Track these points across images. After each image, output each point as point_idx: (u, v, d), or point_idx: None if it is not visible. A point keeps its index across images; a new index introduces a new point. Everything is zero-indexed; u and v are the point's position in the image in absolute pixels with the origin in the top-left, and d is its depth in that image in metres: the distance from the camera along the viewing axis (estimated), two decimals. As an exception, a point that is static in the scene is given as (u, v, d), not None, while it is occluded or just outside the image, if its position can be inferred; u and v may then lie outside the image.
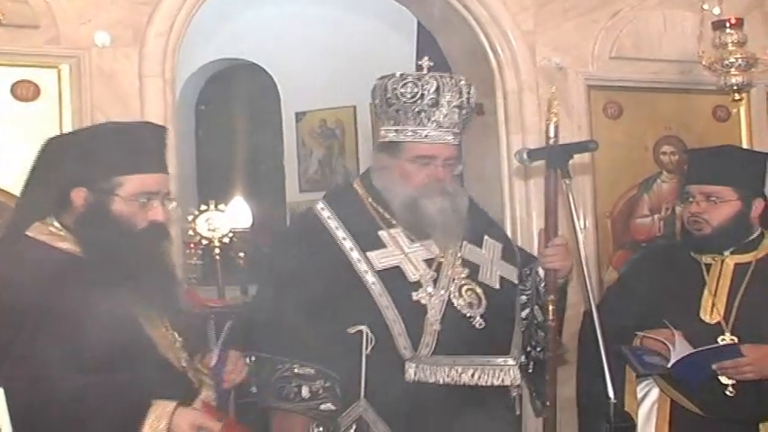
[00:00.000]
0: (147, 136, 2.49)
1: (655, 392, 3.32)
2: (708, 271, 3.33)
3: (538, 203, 4.36)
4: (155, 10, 3.82)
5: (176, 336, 2.48)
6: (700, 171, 3.37)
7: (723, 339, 3.19)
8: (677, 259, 3.41)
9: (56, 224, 2.41)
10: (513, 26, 4.41)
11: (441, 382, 2.87)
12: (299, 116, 8.40)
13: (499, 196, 4.38)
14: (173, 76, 3.88)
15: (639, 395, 3.31)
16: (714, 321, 3.24)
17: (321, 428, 2.84)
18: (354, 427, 2.88)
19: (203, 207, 7.30)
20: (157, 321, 2.45)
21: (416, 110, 2.93)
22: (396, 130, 2.98)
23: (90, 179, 2.38)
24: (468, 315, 2.92)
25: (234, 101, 8.60)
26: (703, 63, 4.53)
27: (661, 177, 4.74)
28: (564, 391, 3.22)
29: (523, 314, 3.10)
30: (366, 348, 2.86)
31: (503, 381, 2.92)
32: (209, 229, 7.09)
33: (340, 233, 2.96)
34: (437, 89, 2.93)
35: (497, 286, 3.02)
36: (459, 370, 2.88)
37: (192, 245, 7.13)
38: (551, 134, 2.89)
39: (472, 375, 2.89)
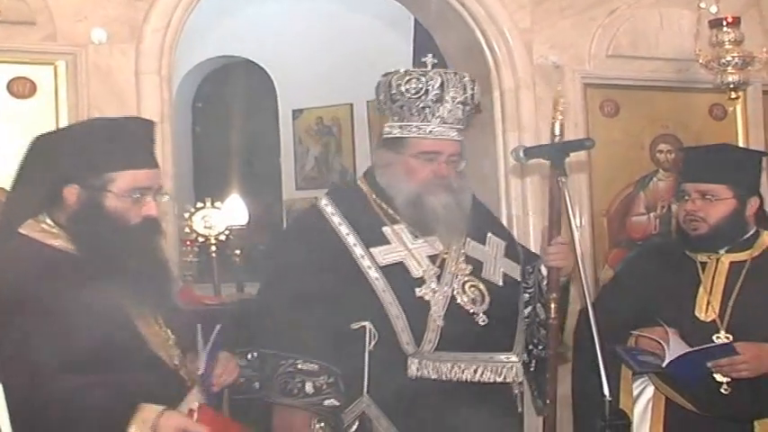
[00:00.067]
0: (136, 131, 2.48)
1: (650, 390, 3.32)
2: (703, 269, 3.34)
3: (534, 201, 4.38)
4: (151, 7, 3.82)
5: (169, 333, 2.48)
6: (695, 169, 3.37)
7: (718, 337, 3.20)
8: (673, 257, 3.41)
9: (48, 221, 2.41)
10: (511, 24, 4.42)
11: (443, 378, 2.87)
12: (296, 114, 8.40)
13: (496, 194, 4.39)
14: (169, 73, 3.88)
15: (635, 393, 3.32)
16: (709, 319, 3.25)
17: (322, 424, 2.83)
18: (357, 423, 2.88)
19: (199, 204, 7.29)
20: (150, 319, 2.45)
21: (421, 106, 2.94)
22: (400, 126, 2.99)
23: (82, 176, 2.37)
24: (472, 311, 2.92)
25: (231, 98, 8.59)
26: (700, 61, 4.54)
27: (657, 175, 4.75)
28: (563, 389, 3.23)
29: (525, 312, 3.10)
30: (369, 344, 2.85)
31: (505, 377, 2.92)
32: (205, 227, 7.09)
33: (343, 229, 2.96)
34: (441, 85, 2.93)
35: (501, 283, 3.02)
36: (462, 366, 2.88)
37: (188, 242, 7.13)
38: (556, 132, 2.88)
39: (475, 372, 2.89)
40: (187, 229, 7.04)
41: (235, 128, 8.50)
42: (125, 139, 2.42)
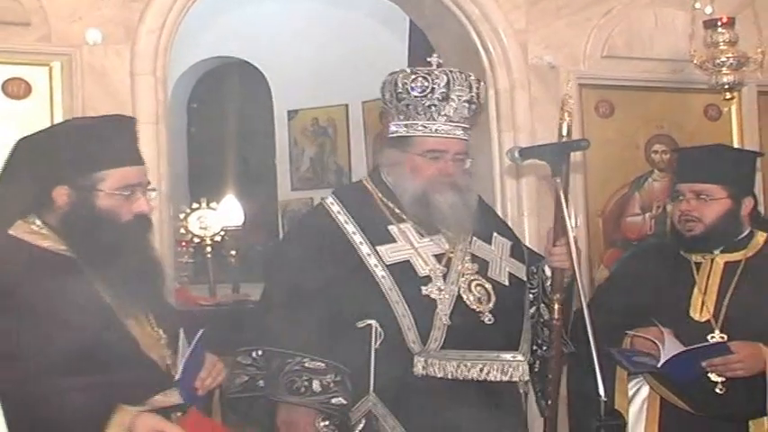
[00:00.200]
0: (120, 129, 2.48)
1: (645, 390, 3.33)
2: (698, 269, 3.34)
3: (529, 202, 4.38)
4: (146, 7, 3.81)
5: (161, 333, 2.47)
6: (690, 169, 3.38)
7: (713, 337, 3.20)
8: (668, 258, 3.42)
9: (38, 222, 2.40)
10: (505, 24, 4.42)
11: (449, 376, 2.86)
12: (291, 114, 8.41)
13: (491, 194, 4.38)
14: (164, 73, 3.88)
15: (630, 393, 3.32)
16: (704, 319, 3.25)
17: (327, 422, 2.83)
18: (364, 421, 2.88)
19: (195, 205, 7.31)
20: (143, 319, 2.44)
21: (427, 104, 2.94)
22: (406, 125, 2.99)
23: (70, 177, 2.37)
24: (478, 310, 2.92)
25: (226, 99, 8.60)
26: (695, 62, 4.54)
27: (652, 176, 4.75)
28: (562, 389, 3.23)
29: (530, 312, 3.10)
30: (375, 342, 2.86)
31: (511, 376, 2.91)
32: (200, 228, 7.11)
33: (350, 227, 2.97)
34: (447, 83, 2.94)
35: (506, 283, 3.02)
36: (468, 365, 2.87)
37: (183, 243, 7.14)
38: (564, 133, 2.87)
39: (481, 370, 2.88)
40: (182, 230, 7.05)
41: (230, 129, 8.51)
42: (111, 138, 2.42)
